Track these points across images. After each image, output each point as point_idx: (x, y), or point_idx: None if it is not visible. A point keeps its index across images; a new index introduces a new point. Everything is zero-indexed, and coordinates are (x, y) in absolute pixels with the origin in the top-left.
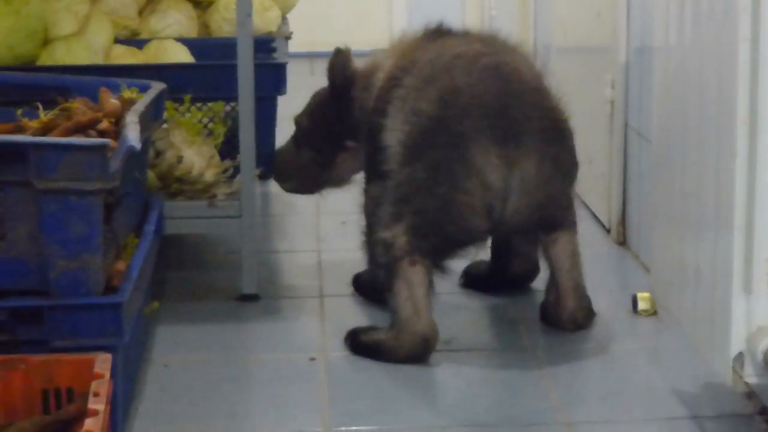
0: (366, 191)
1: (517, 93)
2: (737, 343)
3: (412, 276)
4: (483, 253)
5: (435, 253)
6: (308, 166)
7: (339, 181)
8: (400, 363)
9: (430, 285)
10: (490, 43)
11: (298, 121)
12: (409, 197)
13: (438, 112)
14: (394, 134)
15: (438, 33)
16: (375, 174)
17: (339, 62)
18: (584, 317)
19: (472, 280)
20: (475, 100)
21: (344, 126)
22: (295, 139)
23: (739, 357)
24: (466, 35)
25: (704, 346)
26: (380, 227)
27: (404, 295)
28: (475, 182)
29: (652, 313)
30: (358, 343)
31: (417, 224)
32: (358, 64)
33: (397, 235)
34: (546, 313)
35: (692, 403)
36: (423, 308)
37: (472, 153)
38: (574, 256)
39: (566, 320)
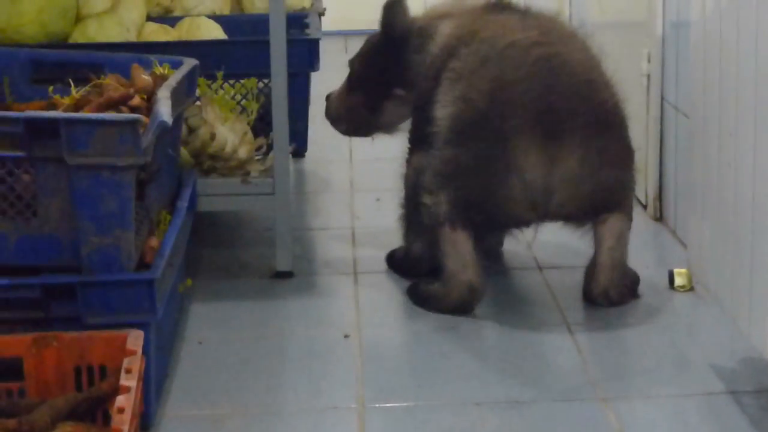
0: (408, 161)
1: (565, 89)
2: None
3: (455, 237)
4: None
5: (475, 226)
6: (358, 109)
7: (388, 127)
8: (450, 312)
9: (474, 243)
10: (547, 29)
11: (351, 63)
12: (453, 175)
13: (484, 106)
14: (444, 110)
15: (499, 6)
16: (420, 142)
17: (395, 12)
18: (618, 294)
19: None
20: (521, 99)
21: (394, 75)
22: (348, 82)
23: None
24: (525, 15)
25: (742, 321)
26: (424, 192)
27: (450, 252)
28: (516, 180)
29: (689, 288)
30: (416, 293)
31: (459, 199)
32: (415, 14)
33: (440, 203)
34: (584, 288)
35: (730, 378)
36: (469, 261)
37: (512, 152)
38: (621, 236)
39: (598, 295)
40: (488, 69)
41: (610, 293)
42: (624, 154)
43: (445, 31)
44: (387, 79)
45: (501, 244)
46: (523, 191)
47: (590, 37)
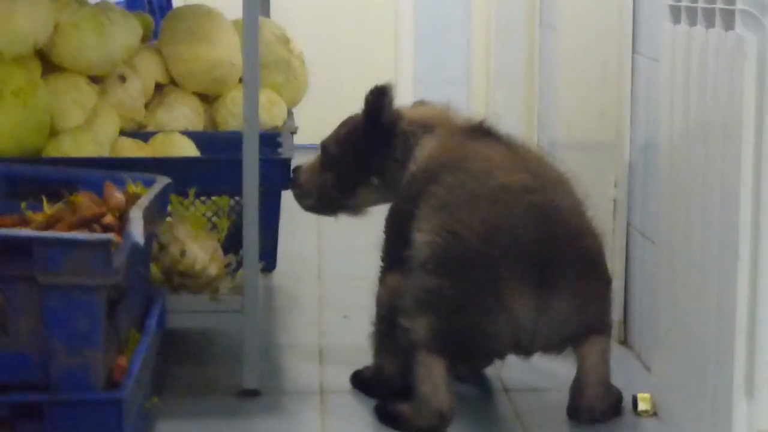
0: (382, 280)
1: (557, 237)
2: None
3: (429, 362)
4: None
5: (452, 355)
6: (329, 189)
7: (355, 210)
8: None
9: (449, 367)
10: (536, 172)
11: (325, 145)
12: (435, 305)
13: (476, 245)
14: (425, 236)
15: (481, 130)
16: (395, 261)
17: (384, 100)
18: (603, 412)
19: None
20: (515, 245)
21: (372, 163)
22: (321, 162)
23: None
24: (510, 149)
25: None
26: (401, 315)
27: (424, 376)
28: (505, 319)
29: (653, 414)
30: (385, 413)
31: (440, 328)
32: (400, 107)
33: (418, 328)
34: (569, 405)
35: None
36: (441, 386)
37: (504, 293)
38: (603, 354)
39: (584, 411)
40: (480, 208)
41: (595, 410)
42: (605, 288)
43: (427, 147)
44: (364, 166)
45: (489, 364)
46: (509, 331)
47: (575, 181)
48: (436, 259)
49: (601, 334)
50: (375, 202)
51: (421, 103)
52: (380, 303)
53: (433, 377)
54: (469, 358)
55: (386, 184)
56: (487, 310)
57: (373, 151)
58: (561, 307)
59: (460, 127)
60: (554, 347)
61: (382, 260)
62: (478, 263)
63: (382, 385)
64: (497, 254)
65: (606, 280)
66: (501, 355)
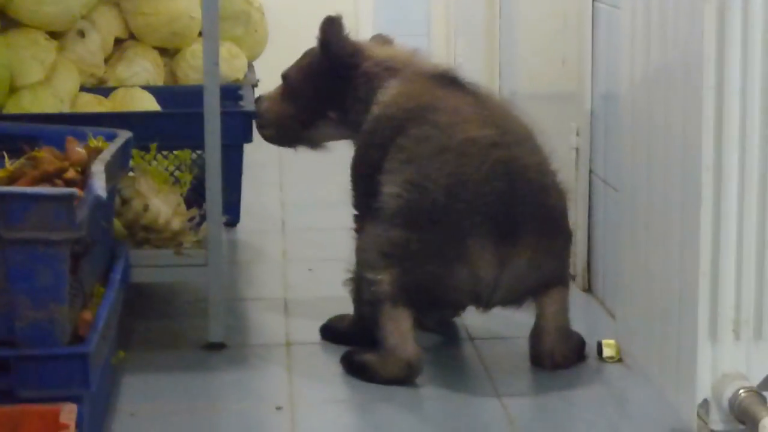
0: (359, 230)
1: (521, 194)
2: (702, 390)
3: (395, 314)
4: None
5: (416, 307)
6: (288, 119)
7: (314, 143)
8: (384, 384)
9: (414, 319)
10: (504, 128)
11: (285, 75)
12: (398, 257)
13: (442, 200)
14: (393, 188)
15: (447, 78)
16: (367, 211)
17: (332, 30)
18: (563, 357)
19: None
20: (480, 201)
21: (330, 98)
22: (282, 91)
23: (705, 404)
24: (477, 99)
25: (670, 393)
26: (367, 267)
27: (389, 327)
28: (467, 273)
29: (618, 359)
30: (350, 362)
31: (403, 281)
32: (368, 46)
33: (383, 281)
34: (531, 353)
35: None
36: (408, 337)
37: (468, 248)
38: (562, 303)
39: (543, 357)
40: (446, 162)
41: (555, 355)
42: (565, 243)
43: (391, 91)
44: (322, 100)
45: (454, 315)
46: (471, 284)
47: (540, 136)
48: (402, 212)
49: (561, 285)
50: (332, 137)
51: (380, 37)
52: (360, 254)
53: (400, 329)
54: (432, 309)
55: (346, 121)
56: (450, 263)
57: (333, 85)
58: (521, 263)
59: (425, 72)
60: (514, 301)
61: (356, 209)
62: (443, 218)
63: (361, 334)
64: (461, 209)
65: (567, 236)
66: (463, 307)
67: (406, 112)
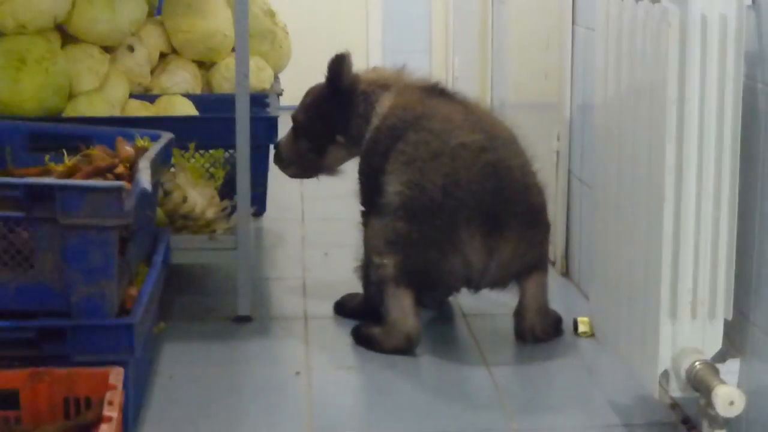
0: (366, 224)
1: (507, 192)
2: (663, 362)
3: (398, 293)
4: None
5: (416, 287)
6: (305, 154)
7: (330, 169)
8: (388, 353)
9: (416, 297)
10: (491, 134)
11: (294, 116)
12: (401, 245)
13: (439, 198)
14: (396, 187)
15: (436, 90)
16: (372, 206)
17: (343, 66)
18: (542, 332)
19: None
20: (471, 198)
21: (337, 123)
22: (294, 131)
23: (665, 374)
24: (466, 108)
25: (635, 364)
26: (374, 253)
27: (392, 304)
28: (459, 260)
29: (591, 335)
30: (359, 334)
31: (404, 265)
32: (358, 71)
33: (387, 265)
34: (515, 328)
35: (625, 413)
36: (409, 313)
37: (461, 238)
38: (542, 285)
39: (527, 333)
40: (441, 164)
41: (535, 331)
42: (545, 234)
43: (386, 103)
44: (330, 127)
45: (449, 295)
46: (463, 270)
47: (522, 139)
48: (404, 207)
49: (541, 270)
50: (344, 159)
51: (374, 69)
52: (367, 243)
53: (401, 306)
54: (430, 290)
55: (351, 140)
56: (445, 251)
57: (337, 111)
58: (507, 251)
59: (414, 85)
60: (500, 284)
61: (362, 206)
62: (439, 212)
63: (369, 311)
64: (455, 205)
65: (546, 228)
66: (457, 289)
67: (404, 121)
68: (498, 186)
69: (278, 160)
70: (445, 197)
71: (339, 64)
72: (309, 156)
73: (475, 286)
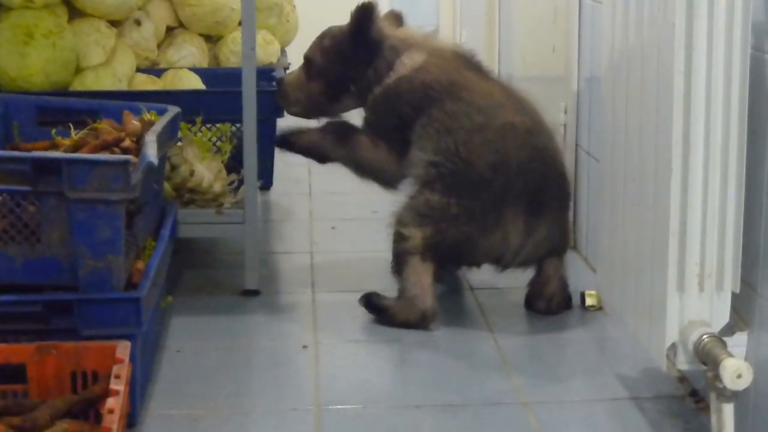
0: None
1: (549, 176)
2: (671, 335)
3: (421, 268)
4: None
5: (443, 262)
6: (316, 97)
7: (335, 115)
8: (399, 327)
9: (436, 274)
10: (532, 115)
11: (310, 57)
12: (435, 218)
13: (489, 175)
14: (428, 155)
15: (469, 61)
16: (379, 134)
17: (372, 16)
18: (558, 305)
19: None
20: (518, 179)
21: (356, 73)
22: (306, 73)
23: (673, 347)
24: (502, 85)
25: (643, 337)
26: (401, 224)
27: (413, 279)
28: (499, 237)
29: (598, 308)
30: (370, 303)
31: (435, 239)
32: (386, 27)
33: (416, 237)
34: (529, 299)
35: (632, 386)
36: (428, 290)
37: (505, 217)
38: (563, 262)
39: (542, 300)
40: (489, 141)
41: (553, 302)
42: (569, 218)
43: (417, 59)
44: (349, 76)
45: (459, 269)
46: (500, 248)
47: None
48: (443, 180)
49: (563, 252)
50: (350, 108)
51: (393, 12)
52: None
53: (422, 281)
54: (455, 266)
55: (360, 90)
56: (486, 228)
57: (358, 63)
58: (542, 232)
59: (446, 50)
60: (528, 263)
61: (366, 127)
62: (487, 189)
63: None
64: (503, 183)
65: (570, 212)
66: (479, 266)
67: (439, 83)
68: (543, 170)
69: (283, 97)
70: (495, 174)
71: (367, 14)
72: (319, 99)
73: (505, 264)
